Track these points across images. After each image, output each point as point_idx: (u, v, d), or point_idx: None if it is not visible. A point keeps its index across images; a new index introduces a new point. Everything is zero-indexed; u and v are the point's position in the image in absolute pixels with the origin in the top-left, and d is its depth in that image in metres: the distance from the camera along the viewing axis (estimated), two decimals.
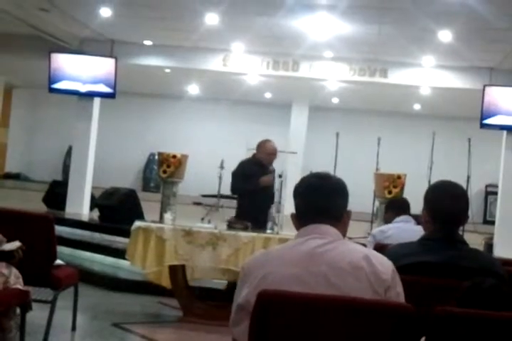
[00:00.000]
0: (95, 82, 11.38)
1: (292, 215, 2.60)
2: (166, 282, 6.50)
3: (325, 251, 2.41)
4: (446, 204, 3.07)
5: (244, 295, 2.43)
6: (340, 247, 2.44)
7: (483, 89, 10.32)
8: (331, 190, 2.54)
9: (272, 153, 7.71)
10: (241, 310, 2.44)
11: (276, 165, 7.99)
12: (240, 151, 13.92)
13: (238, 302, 2.46)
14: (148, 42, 12.00)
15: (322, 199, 2.51)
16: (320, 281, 2.36)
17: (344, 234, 2.57)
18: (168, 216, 7.03)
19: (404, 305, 2.39)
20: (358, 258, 2.40)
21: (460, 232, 3.29)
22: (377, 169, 11.54)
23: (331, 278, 2.36)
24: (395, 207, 5.82)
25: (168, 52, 12.12)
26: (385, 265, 2.43)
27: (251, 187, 7.50)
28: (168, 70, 13.44)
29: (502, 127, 10.36)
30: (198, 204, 13.54)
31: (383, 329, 2.32)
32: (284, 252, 2.49)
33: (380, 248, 4.16)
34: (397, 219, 5.45)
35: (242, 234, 6.51)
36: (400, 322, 2.31)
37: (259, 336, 2.35)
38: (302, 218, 2.54)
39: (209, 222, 9.38)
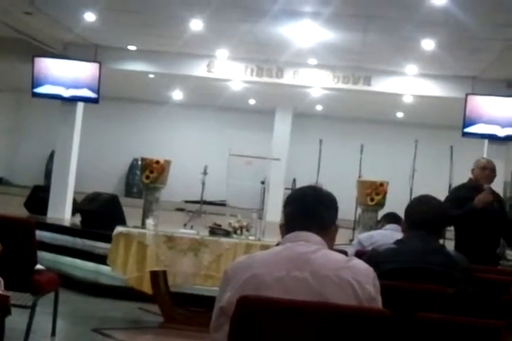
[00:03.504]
0: (79, 86, 11.35)
1: (281, 226, 2.62)
2: (147, 288, 6.47)
3: (310, 258, 2.42)
4: (421, 212, 3.39)
5: (227, 298, 2.43)
6: (325, 256, 2.46)
7: (465, 98, 10.40)
8: (322, 201, 2.58)
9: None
10: (222, 315, 2.43)
11: (259, 171, 7.95)
12: (224, 157, 13.95)
13: (220, 305, 2.46)
14: (132, 48, 11.98)
15: (313, 209, 2.55)
16: (303, 287, 2.37)
17: (331, 248, 2.59)
18: (150, 221, 7.01)
19: (383, 311, 2.40)
20: (342, 268, 2.41)
21: (441, 240, 3.48)
22: (359, 176, 11.57)
23: (314, 285, 2.37)
24: (389, 217, 5.92)
25: (153, 57, 12.11)
26: (368, 275, 2.45)
27: None
28: (152, 76, 13.43)
29: (483, 136, 10.44)
30: (181, 210, 13.52)
31: (363, 335, 2.33)
32: (269, 257, 2.50)
33: (361, 254, 4.19)
34: (387, 226, 5.58)
35: (224, 240, 6.51)
36: (379, 328, 2.33)
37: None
38: (291, 226, 2.56)
39: (191, 227, 9.41)
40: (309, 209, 2.55)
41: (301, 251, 2.44)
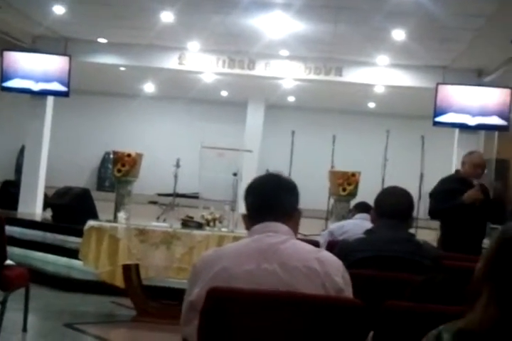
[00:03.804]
0: (48, 80, 11.23)
1: (244, 216, 2.61)
2: (119, 281, 6.43)
3: (279, 250, 2.41)
4: (389, 201, 3.45)
5: (197, 292, 2.41)
6: (293, 246, 2.45)
7: (436, 88, 10.45)
8: (283, 188, 2.58)
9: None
10: (192, 309, 2.42)
11: (231, 163, 7.92)
12: (196, 150, 13.90)
13: (190, 299, 2.44)
14: (102, 40, 11.88)
15: (274, 196, 2.54)
16: (272, 279, 2.36)
17: (296, 233, 2.59)
18: (121, 215, 6.96)
19: (353, 300, 2.40)
20: (311, 259, 2.41)
21: (413, 229, 3.56)
22: (332, 167, 11.60)
23: (283, 276, 2.36)
24: (360, 206, 5.94)
25: (123, 50, 12.01)
26: (336, 267, 2.45)
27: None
28: (123, 68, 13.32)
29: (454, 125, 10.51)
30: (154, 203, 13.47)
31: (333, 324, 2.33)
32: (238, 249, 2.49)
33: (333, 245, 4.20)
34: (357, 216, 5.61)
35: (197, 232, 6.49)
36: (349, 317, 2.32)
37: (208, 334, 2.34)
38: (254, 216, 2.55)
39: (164, 220, 9.37)
40: (270, 197, 2.54)
41: (270, 243, 2.43)
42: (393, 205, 3.42)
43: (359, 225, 4.78)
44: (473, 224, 5.82)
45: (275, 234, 2.47)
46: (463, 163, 6.08)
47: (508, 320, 1.33)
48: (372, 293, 2.77)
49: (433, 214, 6.15)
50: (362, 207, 5.73)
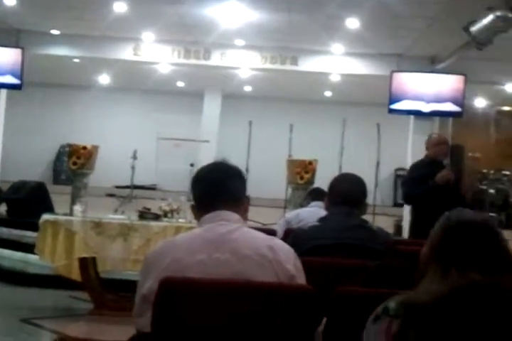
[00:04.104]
0: (1, 73, 10.99)
1: (192, 206, 2.60)
2: (76, 275, 6.35)
3: (230, 238, 2.41)
4: (342, 188, 3.47)
5: (149, 285, 2.39)
6: (245, 234, 2.45)
7: (391, 75, 10.51)
8: (230, 175, 2.57)
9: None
10: (145, 301, 2.40)
11: (188, 154, 7.88)
12: (153, 141, 13.82)
13: (142, 292, 2.42)
14: (55, 32, 11.70)
15: (222, 184, 2.53)
16: (224, 268, 2.36)
17: (245, 220, 2.59)
18: (77, 208, 6.87)
19: (306, 286, 2.41)
20: (263, 247, 2.41)
21: (370, 216, 3.60)
22: (289, 156, 11.62)
23: (236, 265, 2.36)
24: (314, 193, 5.93)
25: (77, 41, 11.86)
26: (287, 254, 2.45)
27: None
28: (77, 60, 13.14)
29: (409, 112, 10.59)
30: (111, 195, 13.34)
31: (286, 311, 2.33)
32: (189, 240, 2.47)
33: (289, 233, 4.20)
34: (312, 203, 5.59)
35: (154, 223, 6.45)
36: (301, 304, 2.33)
37: (162, 324, 2.32)
38: (203, 205, 2.54)
39: (123, 213, 9.28)
40: (218, 186, 2.53)
41: (221, 232, 2.42)
42: (346, 192, 3.44)
43: (314, 213, 4.78)
44: (447, 209, 5.82)
45: (226, 222, 2.46)
46: (427, 148, 6.19)
47: (447, 295, 1.51)
48: (327, 280, 2.78)
49: (408, 200, 6.20)
50: (316, 194, 5.72)
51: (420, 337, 1.49)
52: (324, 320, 2.43)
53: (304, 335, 2.34)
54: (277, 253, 2.41)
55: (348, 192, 3.44)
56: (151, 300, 2.34)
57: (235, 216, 2.49)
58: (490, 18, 7.34)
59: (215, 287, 2.32)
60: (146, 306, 2.37)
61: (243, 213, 2.57)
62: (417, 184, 5.93)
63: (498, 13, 7.24)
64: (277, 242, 2.50)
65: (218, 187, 2.52)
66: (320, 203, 5.23)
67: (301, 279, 2.46)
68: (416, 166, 6.30)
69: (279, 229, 5.09)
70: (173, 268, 2.36)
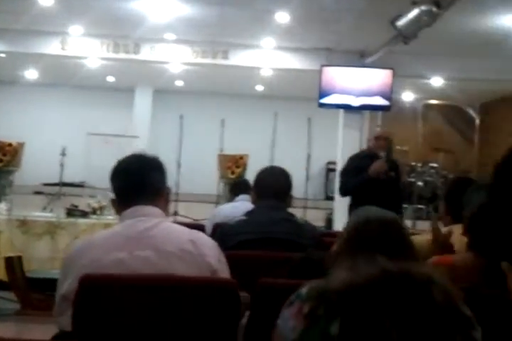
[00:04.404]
0: None
1: (112, 201, 2.55)
2: (1, 275, 6.21)
3: (151, 235, 2.37)
4: (267, 181, 3.48)
5: (68, 285, 2.34)
6: (166, 230, 2.41)
7: (321, 70, 10.58)
8: (147, 167, 2.53)
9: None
10: (64, 300, 2.36)
11: (119, 150, 7.75)
12: (82, 137, 13.59)
13: (61, 293, 2.37)
14: None
15: (140, 176, 2.49)
16: (146, 266, 2.32)
17: (167, 212, 2.55)
18: (2, 206, 6.73)
19: (229, 280, 2.39)
20: (185, 241, 2.38)
21: (301, 210, 3.61)
22: (221, 150, 11.60)
23: (158, 262, 2.33)
24: (239, 187, 5.90)
25: (0, 35, 11.53)
26: (210, 247, 2.43)
27: None
28: (2, 55, 12.79)
29: (338, 106, 10.68)
30: (39, 193, 13.07)
31: (209, 305, 2.31)
32: (108, 238, 2.42)
33: (216, 228, 4.18)
34: (239, 197, 5.56)
35: (82, 221, 6.35)
36: (224, 297, 2.31)
37: (83, 323, 2.28)
38: (123, 199, 2.49)
39: (51, 211, 9.11)
40: (136, 179, 2.48)
41: (141, 229, 2.38)
42: (271, 185, 3.43)
43: (239, 208, 4.76)
44: (382, 201, 5.85)
45: (146, 218, 2.41)
46: (368, 141, 6.35)
47: (354, 283, 1.61)
48: (252, 274, 2.76)
49: (342, 191, 6.25)
50: (242, 188, 5.70)
51: (330, 316, 1.58)
52: (247, 313, 2.41)
53: (227, 329, 2.32)
54: (199, 248, 2.38)
55: (273, 185, 3.43)
56: (70, 299, 2.30)
57: (156, 210, 2.45)
58: (415, 12, 7.44)
59: (135, 283, 2.29)
60: (66, 305, 2.33)
61: (164, 205, 2.53)
62: (351, 176, 6.00)
63: (423, 7, 7.34)
64: (199, 236, 2.46)
65: (137, 181, 2.48)
66: (246, 197, 5.22)
67: (224, 273, 2.43)
68: (352, 158, 6.38)
69: (208, 224, 5.06)
70: (90, 267, 2.31)
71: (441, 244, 2.84)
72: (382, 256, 1.76)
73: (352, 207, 6.11)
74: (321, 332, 1.60)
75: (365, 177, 5.84)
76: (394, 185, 5.98)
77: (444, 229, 3.04)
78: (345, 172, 6.23)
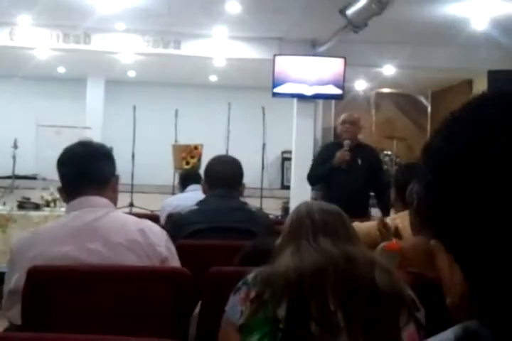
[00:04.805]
0: None
1: (59, 189, 2.51)
2: None
3: (99, 226, 2.34)
4: (218, 170, 3.47)
5: (15, 279, 2.31)
6: (114, 220, 2.38)
7: (273, 59, 10.59)
8: (95, 155, 2.50)
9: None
10: (13, 294, 2.32)
11: (72, 141, 7.62)
12: (33, 129, 13.39)
13: (10, 287, 2.34)
14: None
15: (86, 165, 2.45)
16: (95, 258, 2.30)
17: (115, 201, 2.52)
18: None
19: (179, 269, 2.38)
20: (133, 232, 2.36)
21: (258, 199, 3.61)
22: (176, 141, 11.55)
23: (107, 253, 2.30)
24: (185, 178, 5.89)
25: None
26: (159, 236, 2.41)
27: None
28: None
29: (292, 95, 10.70)
30: None
31: (159, 294, 2.30)
32: (55, 230, 2.39)
33: (169, 217, 4.18)
34: (189, 188, 5.54)
35: (34, 213, 6.27)
36: (175, 286, 2.30)
37: (32, 315, 2.26)
38: (69, 189, 2.46)
39: (4, 204, 8.96)
40: (83, 167, 2.45)
41: (88, 220, 2.35)
42: (222, 174, 3.43)
43: (191, 198, 4.76)
44: (350, 188, 5.73)
45: (93, 208, 2.38)
46: (335, 128, 6.23)
47: (299, 266, 1.72)
48: (204, 262, 2.76)
49: (309, 180, 6.24)
50: (191, 178, 5.68)
51: (276, 299, 1.66)
52: (200, 302, 2.41)
53: (179, 318, 2.32)
54: (148, 237, 2.37)
55: (224, 174, 3.43)
56: (19, 293, 2.26)
57: (103, 200, 2.42)
58: (364, 0, 7.48)
59: (83, 273, 2.27)
60: (16, 298, 2.30)
61: (113, 194, 2.50)
62: (319, 165, 6.01)
63: None
64: (148, 224, 2.45)
65: (82, 169, 2.44)
66: (196, 186, 5.20)
67: (174, 261, 2.43)
68: (323, 147, 6.40)
69: (162, 215, 5.04)
70: (38, 260, 2.28)
71: (387, 232, 2.89)
72: (325, 241, 1.80)
73: (324, 197, 6.11)
74: (268, 316, 1.64)
75: (329, 167, 5.82)
76: (370, 174, 5.87)
77: (392, 216, 3.09)
78: (314, 163, 6.25)
